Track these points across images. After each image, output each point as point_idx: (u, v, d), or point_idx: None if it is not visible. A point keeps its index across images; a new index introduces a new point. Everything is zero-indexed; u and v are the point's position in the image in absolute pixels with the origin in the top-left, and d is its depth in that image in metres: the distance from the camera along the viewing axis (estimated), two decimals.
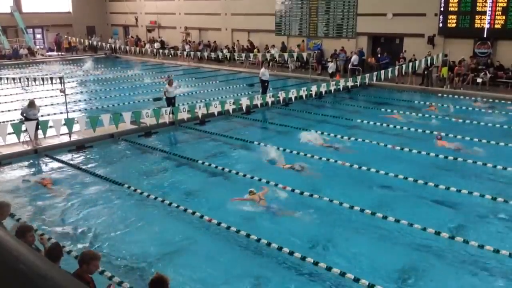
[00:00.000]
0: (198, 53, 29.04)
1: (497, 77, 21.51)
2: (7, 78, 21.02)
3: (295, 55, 26.20)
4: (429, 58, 20.66)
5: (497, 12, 21.46)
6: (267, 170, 11.61)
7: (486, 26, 21.80)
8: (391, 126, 15.50)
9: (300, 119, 16.90)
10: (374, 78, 18.89)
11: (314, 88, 17.18)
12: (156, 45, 35.07)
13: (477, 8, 21.93)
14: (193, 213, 9.09)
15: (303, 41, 28.64)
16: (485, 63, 21.96)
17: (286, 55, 26.08)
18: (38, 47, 38.75)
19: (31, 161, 12.65)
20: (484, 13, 21.76)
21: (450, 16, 22.77)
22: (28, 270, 0.76)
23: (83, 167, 12.02)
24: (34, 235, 5.81)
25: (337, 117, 16.82)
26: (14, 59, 33.72)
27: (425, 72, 21.94)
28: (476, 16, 22.04)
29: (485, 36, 22.02)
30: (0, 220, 5.99)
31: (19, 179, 11.28)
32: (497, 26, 21.56)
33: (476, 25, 22.09)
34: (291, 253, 7.51)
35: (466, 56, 22.15)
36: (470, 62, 22.01)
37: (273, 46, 29.19)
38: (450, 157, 12.15)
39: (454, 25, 22.74)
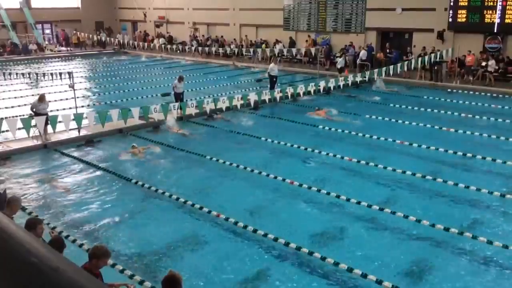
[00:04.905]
0: (206, 48, 29.07)
1: (507, 72, 21.32)
2: (17, 74, 21.22)
3: (285, 50, 26.12)
4: (438, 54, 20.53)
5: (507, 7, 21.22)
6: (279, 164, 11.64)
7: (497, 20, 21.57)
8: (400, 121, 15.44)
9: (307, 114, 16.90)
10: (383, 74, 18.81)
11: (322, 83, 17.17)
12: (161, 40, 35.14)
13: (487, 2, 21.70)
14: (201, 208, 9.12)
15: (309, 36, 28.52)
16: (495, 58, 21.75)
17: (294, 50, 26.03)
18: (47, 42, 38.94)
19: (41, 156, 12.74)
20: (495, 7, 21.53)
21: (460, 11, 22.55)
22: (40, 263, 0.78)
23: (92, 162, 12.09)
24: (43, 227, 5.86)
25: (344, 112, 16.75)
26: (23, 55, 33.91)
27: (435, 67, 21.77)
28: (487, 11, 21.81)
29: (495, 31, 21.80)
30: (11, 215, 6.04)
31: (29, 174, 11.38)
32: (507, 20, 21.32)
33: (486, 20, 21.87)
34: (298, 249, 7.53)
35: (476, 51, 21.94)
36: (480, 57, 21.82)
37: (279, 41, 29.10)
38: (451, 151, 12.09)
39: (464, 20, 22.52)
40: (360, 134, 14.03)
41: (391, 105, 17.99)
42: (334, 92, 19.77)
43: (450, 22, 22.97)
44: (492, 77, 20.74)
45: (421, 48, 22.75)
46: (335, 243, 7.97)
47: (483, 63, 21.22)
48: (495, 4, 21.48)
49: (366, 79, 19.30)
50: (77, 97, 16.46)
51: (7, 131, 11.97)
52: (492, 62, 20.98)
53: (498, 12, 21.46)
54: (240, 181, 10.84)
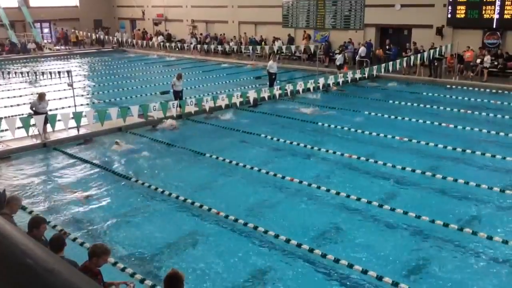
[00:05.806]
0: (205, 46, 29.03)
1: (506, 68, 21.30)
2: (16, 73, 21.20)
3: (284, 47, 26.18)
4: (437, 50, 20.53)
5: (506, 2, 21.18)
6: (279, 161, 11.65)
7: (496, 16, 21.54)
8: (399, 118, 15.44)
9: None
10: (382, 70, 18.80)
11: (321, 80, 17.15)
12: (160, 38, 35.10)
13: None
14: (201, 206, 9.12)
15: (304, 31, 28.49)
16: (494, 53, 21.74)
17: (293, 47, 25.99)
18: (45, 41, 38.86)
19: (40, 154, 12.73)
20: (493, 3, 21.49)
21: (459, 7, 22.51)
22: (35, 265, 0.77)
23: (92, 160, 12.08)
24: (46, 226, 5.88)
25: (344, 109, 16.75)
26: (22, 54, 33.84)
27: (435, 63, 21.75)
28: (486, 7, 21.77)
29: (494, 26, 21.77)
30: (10, 214, 6.04)
31: (28, 173, 11.38)
32: (506, 16, 21.29)
33: (485, 16, 21.83)
34: (299, 245, 7.53)
35: (475, 47, 21.91)
36: (480, 52, 21.80)
37: (278, 38, 29.11)
38: (451, 147, 12.09)
39: (463, 15, 22.48)
40: (360, 131, 14.02)
41: (390, 101, 17.98)
42: (333, 88, 19.75)
43: (449, 18, 22.92)
44: (485, 72, 20.70)
45: (413, 44, 22.83)
46: (336, 239, 7.97)
47: (478, 60, 21.20)
48: (494, 0, 21.44)
49: (366, 75, 19.29)
50: (76, 96, 16.43)
51: (6, 130, 11.96)
52: (487, 58, 20.95)
53: (497, 7, 21.42)
54: (240, 179, 10.84)
